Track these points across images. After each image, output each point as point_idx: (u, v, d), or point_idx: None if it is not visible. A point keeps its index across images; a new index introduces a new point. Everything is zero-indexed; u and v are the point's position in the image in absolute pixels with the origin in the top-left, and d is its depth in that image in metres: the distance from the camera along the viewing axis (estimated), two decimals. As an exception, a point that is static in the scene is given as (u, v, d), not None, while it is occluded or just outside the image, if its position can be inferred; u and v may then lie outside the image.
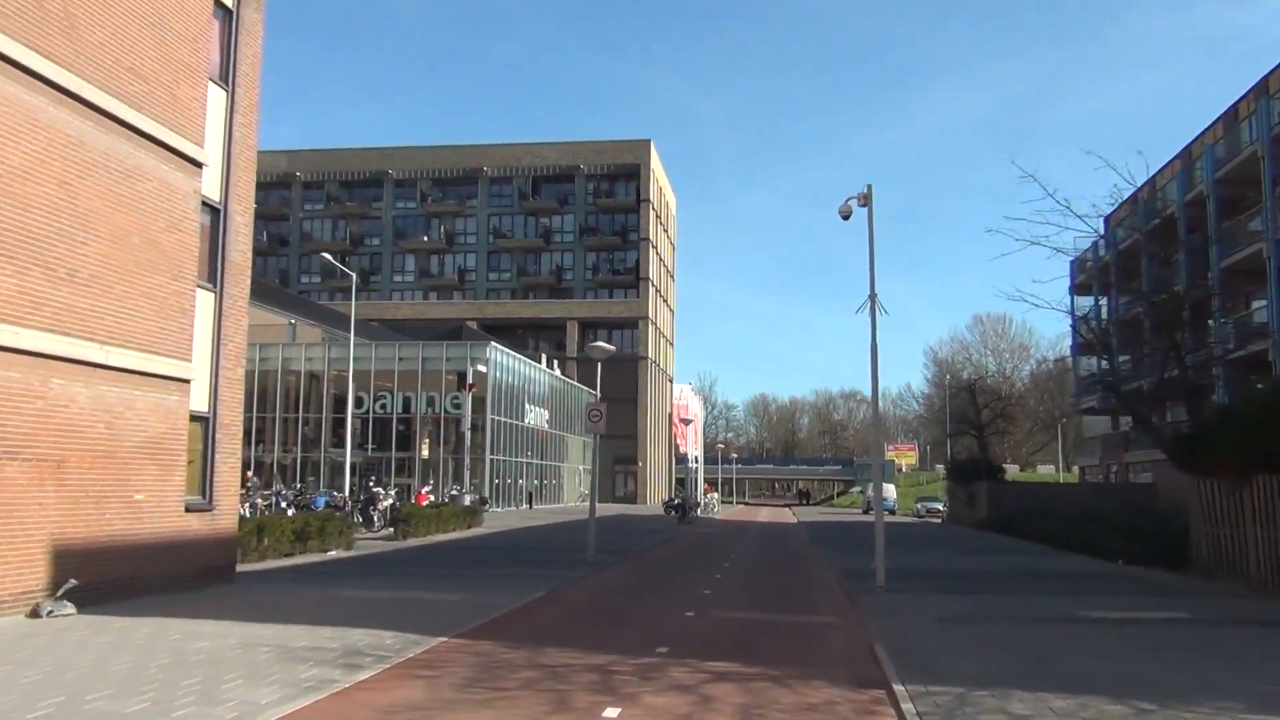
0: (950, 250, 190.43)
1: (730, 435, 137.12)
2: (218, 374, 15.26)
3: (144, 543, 13.40)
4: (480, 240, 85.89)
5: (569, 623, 12.79)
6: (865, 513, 68.59)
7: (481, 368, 53.84)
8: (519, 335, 77.87)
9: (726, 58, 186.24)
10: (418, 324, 73.42)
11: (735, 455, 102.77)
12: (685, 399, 68.57)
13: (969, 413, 47.38)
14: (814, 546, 30.54)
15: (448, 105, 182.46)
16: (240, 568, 18.29)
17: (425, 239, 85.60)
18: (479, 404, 53.72)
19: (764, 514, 70.19)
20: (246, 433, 56.29)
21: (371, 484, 36.61)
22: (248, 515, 24.91)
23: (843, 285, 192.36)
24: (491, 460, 54.02)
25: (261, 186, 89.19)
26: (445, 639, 10.69)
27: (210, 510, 14.98)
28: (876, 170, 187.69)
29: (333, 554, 22.39)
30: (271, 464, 55.30)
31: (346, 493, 34.64)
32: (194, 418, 14.67)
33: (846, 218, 17.23)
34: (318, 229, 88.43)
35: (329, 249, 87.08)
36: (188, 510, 14.37)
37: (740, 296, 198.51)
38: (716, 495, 71.28)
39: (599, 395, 23.70)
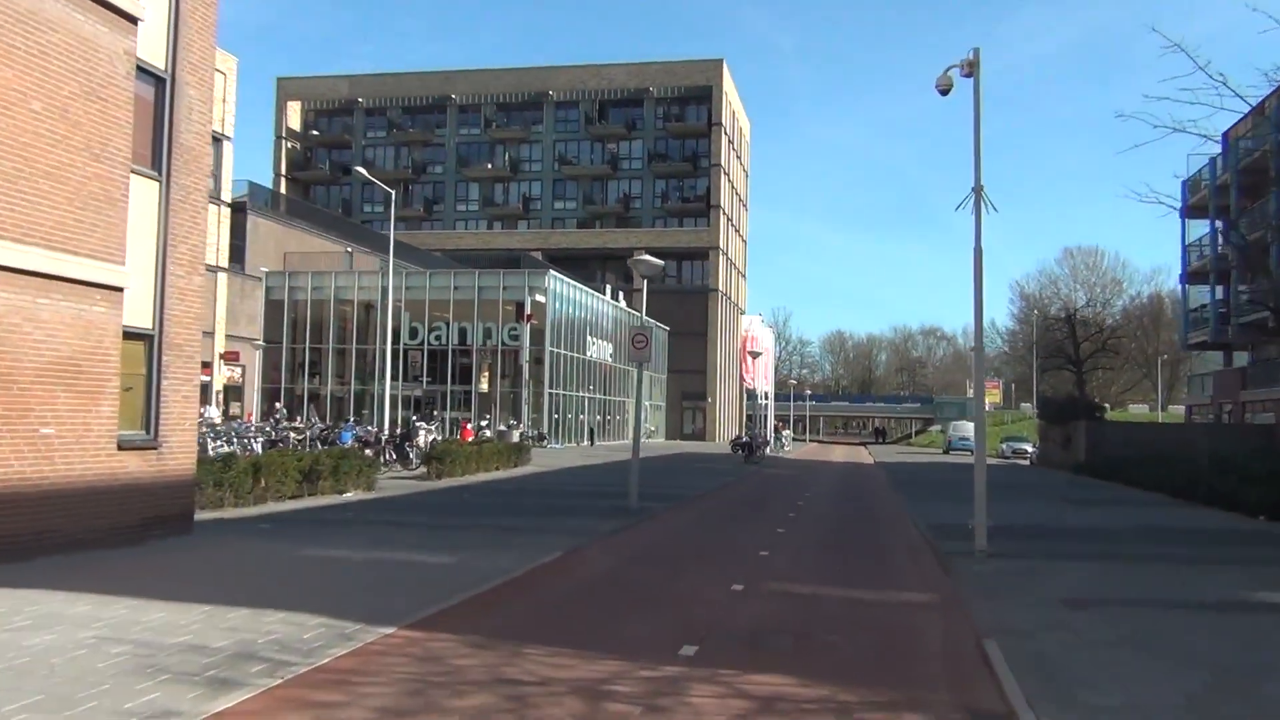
0: (1036, 184, 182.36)
1: (804, 372, 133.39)
2: (164, 282, 12.47)
3: (57, 489, 10.75)
4: (546, 167, 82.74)
5: (575, 603, 9.84)
6: (946, 453, 64.93)
7: (540, 297, 51.06)
8: (586, 266, 74.82)
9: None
10: (482, 254, 70.88)
11: (809, 392, 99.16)
12: (754, 331, 64.55)
13: (1067, 346, 43.25)
14: (894, 492, 27.35)
15: (513, 29, 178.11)
16: (228, 514, 15.81)
17: (489, 166, 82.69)
18: (538, 336, 51.06)
19: (838, 453, 66.89)
20: (300, 365, 54.93)
21: (416, 418, 34.32)
22: (258, 450, 22.53)
23: (924, 220, 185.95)
24: (551, 394, 51.45)
25: (322, 113, 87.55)
26: (391, 630, 7.81)
27: (155, 448, 12.29)
28: (960, 102, 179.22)
29: (348, 496, 19.87)
30: (325, 397, 53.52)
31: (386, 427, 32.23)
32: (131, 335, 11.94)
33: (945, 92, 13.79)
34: (380, 157, 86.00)
35: (391, 177, 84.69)
36: (121, 448, 11.69)
37: (815, 231, 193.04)
38: (788, 433, 68.05)
39: (644, 319, 20.54)
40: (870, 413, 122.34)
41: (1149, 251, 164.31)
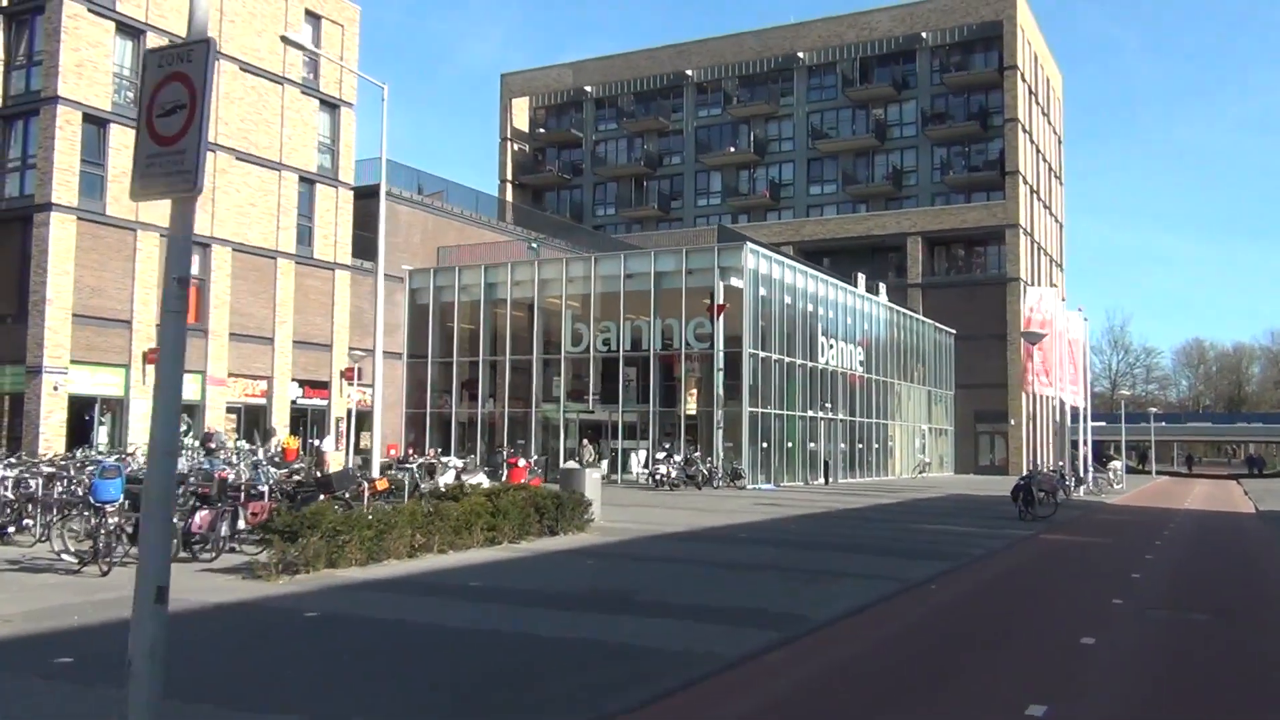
0: None
1: (1152, 388, 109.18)
2: None
3: None
4: (798, 145, 68.37)
5: None
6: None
7: (736, 280, 37.08)
8: (847, 259, 59.75)
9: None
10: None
11: (1155, 410, 77.48)
12: (1041, 310, 41.90)
13: None
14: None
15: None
16: None
17: (731, 150, 69.53)
18: (735, 338, 37.03)
19: (1195, 495, 47.19)
20: (462, 383, 43.38)
21: (438, 453, 21.76)
22: None
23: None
24: (753, 414, 37.09)
25: (550, 110, 77.86)
26: None
27: None
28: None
29: None
30: (476, 422, 41.92)
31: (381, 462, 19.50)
32: None
33: None
34: (611, 152, 75.26)
35: (624, 174, 73.90)
36: None
37: (1159, 239, 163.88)
38: (1118, 465, 49.19)
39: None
40: (1241, 435, 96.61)
41: None
